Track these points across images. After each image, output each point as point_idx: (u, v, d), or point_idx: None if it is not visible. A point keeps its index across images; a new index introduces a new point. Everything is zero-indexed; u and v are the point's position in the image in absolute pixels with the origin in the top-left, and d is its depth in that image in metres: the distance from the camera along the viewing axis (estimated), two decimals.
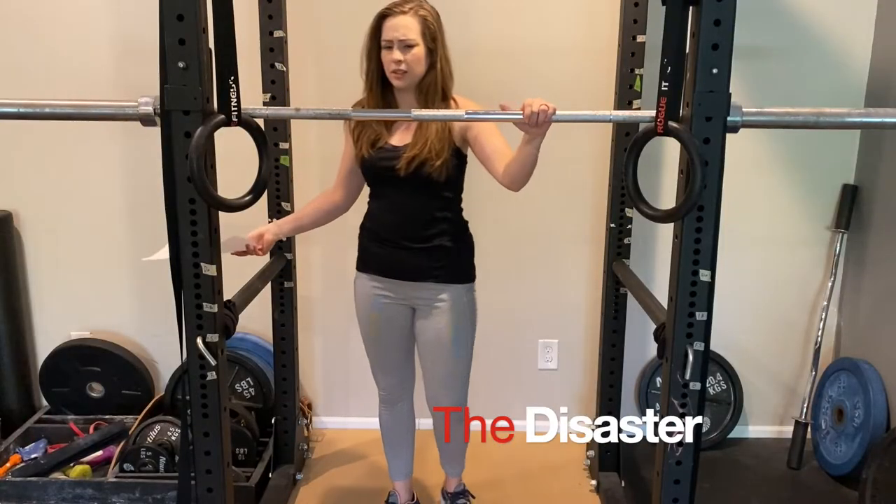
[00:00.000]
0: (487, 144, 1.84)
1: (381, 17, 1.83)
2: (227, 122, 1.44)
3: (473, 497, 2.34)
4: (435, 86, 1.87)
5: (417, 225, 1.96)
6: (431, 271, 1.99)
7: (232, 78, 1.41)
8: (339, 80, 2.62)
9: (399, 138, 1.92)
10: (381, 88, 1.89)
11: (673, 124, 1.38)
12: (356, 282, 2.10)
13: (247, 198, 1.50)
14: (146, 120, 1.48)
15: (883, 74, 2.54)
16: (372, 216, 2.04)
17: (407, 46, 1.79)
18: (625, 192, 2.38)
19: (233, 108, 1.43)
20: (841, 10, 2.55)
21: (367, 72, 1.90)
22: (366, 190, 2.05)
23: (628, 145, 1.48)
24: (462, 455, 2.29)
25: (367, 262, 2.06)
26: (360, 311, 2.11)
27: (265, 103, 2.29)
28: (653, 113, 1.42)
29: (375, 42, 1.85)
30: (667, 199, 2.60)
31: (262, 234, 2.01)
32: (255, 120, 1.53)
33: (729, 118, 1.39)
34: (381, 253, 2.01)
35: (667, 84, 1.37)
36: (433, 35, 1.83)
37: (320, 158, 2.70)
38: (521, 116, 1.55)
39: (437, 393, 2.11)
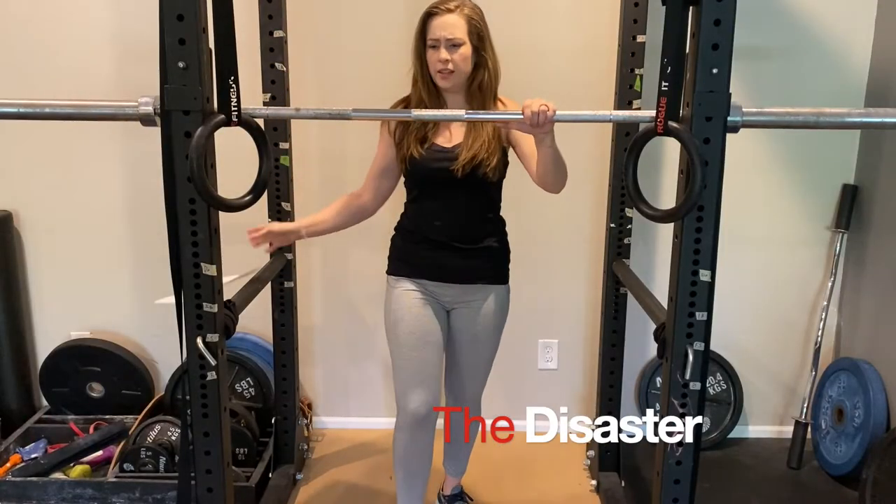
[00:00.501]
0: (526, 145, 1.83)
1: (427, 16, 1.80)
2: (227, 122, 1.44)
3: (472, 500, 2.34)
4: (484, 86, 1.85)
5: (470, 227, 1.94)
6: (483, 272, 1.98)
7: (232, 78, 1.42)
8: (340, 80, 2.64)
9: (447, 138, 1.89)
10: (428, 88, 1.87)
11: (673, 124, 1.38)
12: (395, 289, 2.00)
13: (247, 198, 1.50)
14: (146, 120, 1.48)
15: (883, 74, 2.54)
16: (418, 218, 1.97)
17: (453, 46, 1.78)
18: (625, 192, 2.38)
19: (233, 108, 1.43)
20: (841, 10, 2.55)
21: (415, 71, 1.88)
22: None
23: (628, 145, 1.48)
24: (469, 455, 2.28)
25: (413, 265, 1.98)
26: (400, 320, 1.96)
27: (265, 103, 2.29)
28: (653, 113, 1.41)
29: (422, 41, 1.83)
30: (667, 199, 2.60)
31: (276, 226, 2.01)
32: (255, 120, 1.53)
33: (729, 118, 1.39)
34: (431, 256, 1.95)
35: (667, 84, 1.37)
36: (479, 34, 1.81)
37: (320, 158, 2.70)
38: (521, 117, 1.56)
39: (466, 385, 2.10)
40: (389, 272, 2.04)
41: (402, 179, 2.00)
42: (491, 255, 1.98)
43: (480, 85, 1.85)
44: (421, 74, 1.86)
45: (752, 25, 2.51)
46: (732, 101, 1.38)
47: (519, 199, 2.42)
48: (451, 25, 1.77)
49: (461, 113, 1.65)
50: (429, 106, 1.86)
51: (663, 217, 1.42)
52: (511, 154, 1.94)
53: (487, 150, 1.83)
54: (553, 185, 1.79)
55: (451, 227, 1.93)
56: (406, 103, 1.91)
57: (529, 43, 2.59)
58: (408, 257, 1.99)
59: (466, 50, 1.80)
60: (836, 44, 2.59)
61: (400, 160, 1.91)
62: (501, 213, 2.03)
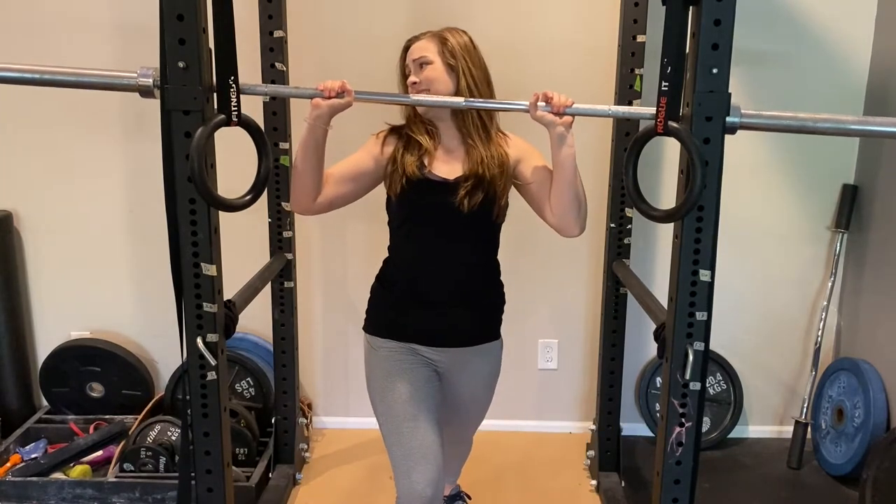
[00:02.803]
0: (536, 172, 1.67)
1: (404, 51, 1.73)
2: (228, 122, 1.44)
3: (469, 498, 2.33)
4: (470, 115, 1.67)
5: (469, 277, 1.72)
6: (480, 332, 1.77)
7: (232, 78, 1.41)
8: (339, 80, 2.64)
9: (449, 169, 1.67)
10: (417, 123, 1.70)
11: (673, 124, 1.38)
12: (378, 350, 1.74)
13: (246, 197, 1.49)
14: (145, 92, 1.45)
15: (883, 76, 2.54)
16: (406, 265, 1.72)
17: (422, 66, 1.66)
18: (625, 192, 2.38)
19: (233, 108, 1.43)
20: (841, 12, 2.55)
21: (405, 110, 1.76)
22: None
23: (628, 145, 1.48)
24: (463, 464, 2.22)
25: (400, 327, 1.72)
26: (390, 389, 1.69)
27: (265, 103, 2.29)
28: (653, 109, 1.41)
29: (402, 75, 1.73)
30: (667, 199, 2.60)
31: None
32: (255, 120, 1.53)
33: (728, 119, 1.39)
34: (421, 317, 1.71)
35: (667, 84, 1.37)
36: (453, 52, 1.65)
37: None
38: (525, 107, 1.54)
39: (459, 436, 2.00)
40: (370, 332, 1.77)
41: (388, 218, 1.77)
42: (489, 310, 1.79)
43: (470, 117, 1.67)
44: (411, 111, 1.73)
45: (751, 26, 2.51)
46: (732, 102, 1.38)
47: (519, 199, 2.43)
48: (420, 48, 1.67)
49: (459, 100, 1.59)
50: (419, 140, 1.68)
51: (663, 217, 1.42)
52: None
53: (495, 184, 1.65)
54: (571, 217, 1.60)
55: (446, 277, 1.70)
56: (398, 135, 1.73)
57: (529, 43, 2.59)
58: (394, 318, 1.74)
59: (437, 68, 1.64)
60: (835, 45, 2.59)
61: (390, 185, 1.68)
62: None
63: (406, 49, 1.72)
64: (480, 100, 1.65)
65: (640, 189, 1.48)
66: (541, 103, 1.55)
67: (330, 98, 1.55)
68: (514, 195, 1.77)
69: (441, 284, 1.70)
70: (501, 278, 1.85)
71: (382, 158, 1.71)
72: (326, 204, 1.69)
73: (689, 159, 1.35)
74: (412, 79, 1.67)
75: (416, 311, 1.72)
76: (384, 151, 1.71)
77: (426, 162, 1.66)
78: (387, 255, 1.82)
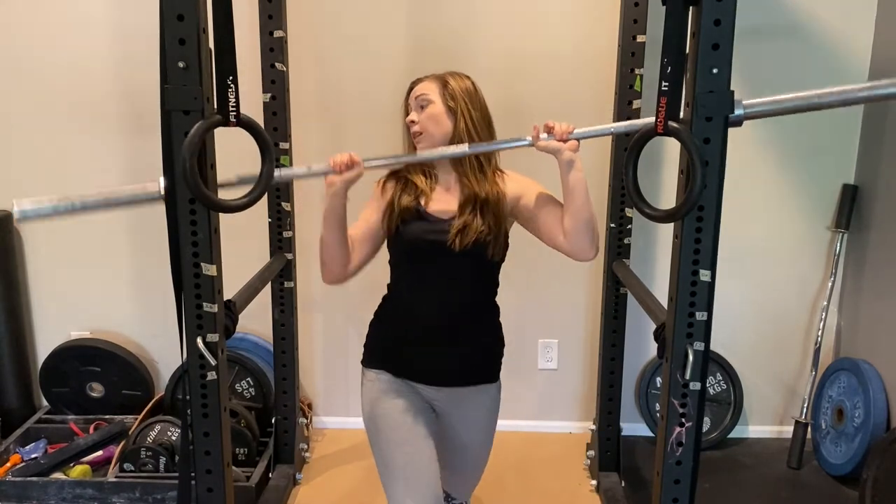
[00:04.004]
0: (540, 200, 1.65)
1: (408, 91, 1.73)
2: (225, 122, 1.43)
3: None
4: (467, 156, 1.68)
5: (466, 316, 1.71)
6: (477, 372, 1.76)
7: (231, 78, 1.41)
8: (340, 81, 2.65)
9: (441, 206, 1.67)
10: (415, 164, 1.71)
11: (673, 124, 1.37)
12: (374, 382, 1.73)
13: (244, 199, 1.48)
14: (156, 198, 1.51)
15: (883, 76, 2.54)
16: (403, 303, 1.73)
17: (422, 106, 1.67)
18: (625, 192, 2.39)
19: (231, 109, 1.42)
20: (841, 11, 2.55)
21: (405, 146, 1.76)
22: (381, 270, 1.76)
23: (628, 146, 1.48)
24: (473, 488, 2.07)
25: (395, 364, 1.73)
26: (384, 416, 1.69)
27: (265, 103, 2.29)
28: (653, 119, 1.41)
29: (405, 113, 1.74)
30: (667, 199, 2.60)
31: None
32: (257, 121, 1.52)
33: (731, 115, 1.38)
34: (417, 354, 1.71)
35: (667, 84, 1.36)
36: (453, 95, 1.66)
37: (320, 158, 2.70)
38: (528, 141, 1.56)
39: (458, 488, 1.96)
40: (367, 365, 1.77)
41: (389, 256, 1.76)
42: (487, 351, 1.78)
43: (466, 158, 1.68)
44: (407, 146, 1.75)
45: (751, 27, 2.51)
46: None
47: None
48: (422, 88, 1.69)
49: (463, 148, 1.61)
50: (416, 181, 1.69)
51: (663, 217, 1.42)
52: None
53: (485, 221, 1.64)
54: (584, 240, 1.58)
55: (442, 315, 1.68)
56: (396, 178, 1.73)
57: (529, 43, 2.59)
58: (390, 354, 1.74)
59: (436, 109, 1.65)
60: (835, 45, 2.59)
61: (387, 225, 1.67)
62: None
63: (410, 89, 1.73)
64: (483, 144, 1.65)
65: (641, 189, 1.47)
66: (543, 134, 1.55)
67: (341, 172, 1.58)
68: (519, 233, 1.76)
69: (437, 323, 1.69)
70: (502, 304, 1.82)
71: (384, 203, 1.72)
72: (357, 269, 1.71)
73: (688, 159, 1.35)
74: (411, 117, 1.69)
75: (413, 349, 1.71)
76: (384, 197, 1.72)
77: (422, 201, 1.68)
78: (386, 291, 1.81)
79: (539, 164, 1.74)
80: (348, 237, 1.66)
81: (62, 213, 1.53)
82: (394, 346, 1.74)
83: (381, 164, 1.66)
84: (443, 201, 1.68)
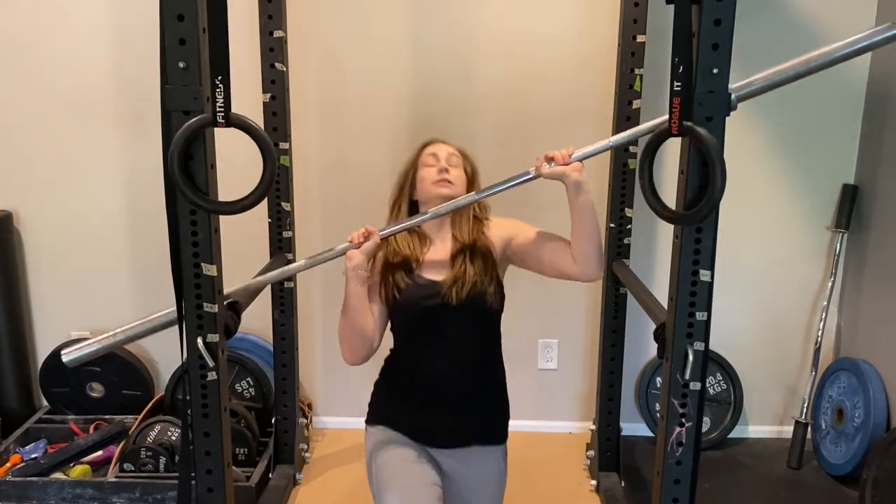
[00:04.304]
0: (535, 238, 1.68)
1: (423, 146, 1.79)
2: (213, 123, 1.42)
3: None
4: (471, 214, 1.75)
5: (467, 372, 1.70)
6: (479, 432, 1.74)
7: (220, 77, 1.40)
8: (340, 81, 2.64)
9: (437, 270, 1.69)
10: (410, 212, 1.77)
11: (688, 124, 1.36)
12: (377, 436, 1.73)
13: (244, 201, 1.47)
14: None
15: (883, 76, 2.55)
16: (406, 364, 1.74)
17: (452, 166, 1.73)
18: (624, 193, 2.39)
19: (218, 109, 1.41)
20: (841, 11, 2.55)
21: (395, 199, 1.79)
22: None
23: (641, 149, 1.47)
24: None
25: (399, 424, 1.73)
26: (386, 464, 1.66)
27: (265, 103, 2.29)
28: (650, 124, 1.42)
29: (413, 166, 1.77)
30: (667, 199, 2.59)
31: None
32: (254, 122, 1.52)
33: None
34: (418, 417, 1.71)
35: (679, 84, 1.35)
36: (472, 169, 1.80)
37: (320, 158, 2.70)
38: (533, 174, 1.59)
39: None
40: (370, 423, 1.78)
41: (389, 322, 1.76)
42: (490, 410, 1.77)
43: (465, 210, 1.74)
44: (406, 196, 1.76)
45: (751, 27, 2.50)
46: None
47: (518, 200, 2.43)
48: (449, 150, 1.77)
49: (472, 195, 1.65)
50: (410, 239, 1.72)
51: (683, 219, 1.40)
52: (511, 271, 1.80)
53: (476, 272, 1.66)
54: (592, 260, 1.57)
55: (445, 375, 1.68)
56: (385, 250, 1.73)
57: (529, 43, 2.59)
58: (393, 415, 1.74)
59: (461, 173, 1.74)
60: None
61: (387, 295, 1.69)
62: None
63: (427, 145, 1.79)
64: (489, 188, 1.66)
65: (658, 192, 1.47)
66: (545, 164, 1.57)
67: (360, 245, 1.63)
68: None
69: (437, 380, 1.70)
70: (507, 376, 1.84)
71: (376, 276, 1.73)
72: (379, 342, 1.73)
73: (707, 159, 1.33)
74: (443, 164, 1.72)
75: (418, 411, 1.72)
76: (375, 270, 1.73)
77: (414, 267, 1.70)
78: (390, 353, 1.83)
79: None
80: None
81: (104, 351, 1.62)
82: (398, 405, 1.74)
83: (397, 230, 1.69)
84: (435, 264, 1.71)
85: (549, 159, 1.57)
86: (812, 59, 1.50)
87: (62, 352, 1.60)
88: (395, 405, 1.75)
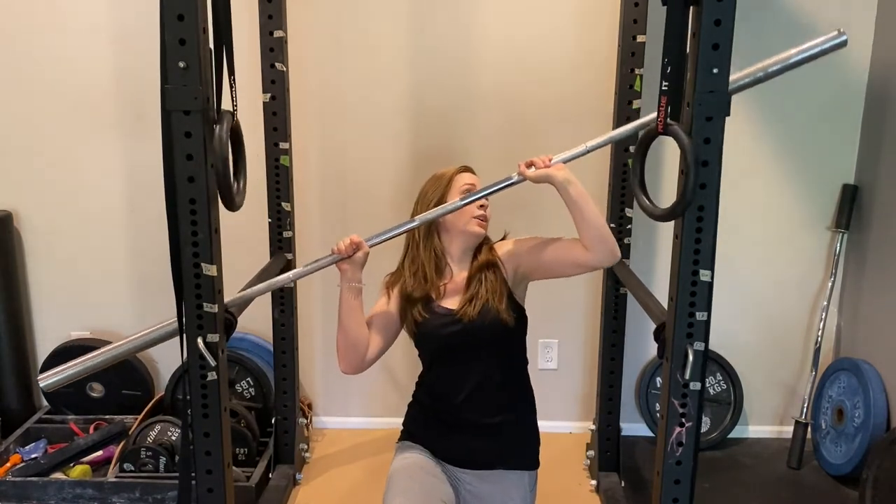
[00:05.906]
0: (538, 244, 1.72)
1: (460, 171, 1.80)
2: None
3: None
4: (481, 244, 1.80)
5: (499, 399, 1.73)
6: (504, 455, 1.74)
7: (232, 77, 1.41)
8: (340, 81, 2.64)
9: (453, 297, 1.74)
10: (436, 239, 1.78)
11: (672, 123, 1.38)
12: (401, 451, 1.80)
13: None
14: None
15: (883, 76, 2.54)
16: (432, 390, 1.78)
17: (483, 205, 1.77)
18: (625, 193, 2.39)
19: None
20: (841, 11, 2.55)
21: (417, 235, 1.78)
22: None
23: (633, 149, 1.49)
24: None
25: (427, 446, 1.78)
26: (398, 468, 1.73)
27: (265, 103, 2.29)
28: (629, 126, 1.45)
29: (446, 189, 1.77)
30: (667, 199, 2.59)
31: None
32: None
33: None
34: (443, 439, 1.76)
35: (667, 84, 1.37)
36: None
37: (320, 158, 2.70)
38: (518, 177, 1.65)
39: None
40: (400, 439, 1.85)
41: (417, 350, 1.82)
42: (516, 435, 1.76)
43: (481, 245, 1.80)
44: (435, 222, 1.75)
45: (751, 27, 2.50)
46: None
47: (518, 200, 2.43)
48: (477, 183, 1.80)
49: (456, 203, 1.69)
50: (429, 269, 1.75)
51: (662, 215, 1.44)
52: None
53: (487, 291, 1.70)
54: (602, 244, 1.59)
55: (468, 398, 1.71)
56: (401, 283, 1.77)
57: (530, 44, 2.59)
58: (421, 434, 1.80)
59: (489, 211, 1.79)
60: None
61: (409, 327, 1.76)
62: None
63: (462, 172, 1.81)
64: (477, 191, 1.71)
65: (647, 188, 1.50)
66: (529, 169, 1.63)
67: (349, 256, 1.67)
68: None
69: (464, 409, 1.73)
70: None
71: (394, 302, 1.78)
72: (376, 357, 1.76)
73: (682, 158, 1.36)
74: (484, 202, 1.76)
75: (445, 434, 1.76)
76: (391, 295, 1.79)
77: (433, 296, 1.74)
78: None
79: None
80: (371, 327, 1.74)
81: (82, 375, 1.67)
82: (426, 427, 1.80)
83: (385, 238, 1.72)
84: (453, 292, 1.75)
85: (530, 165, 1.64)
86: (768, 65, 1.55)
87: (39, 377, 1.60)
88: (422, 426, 1.81)
